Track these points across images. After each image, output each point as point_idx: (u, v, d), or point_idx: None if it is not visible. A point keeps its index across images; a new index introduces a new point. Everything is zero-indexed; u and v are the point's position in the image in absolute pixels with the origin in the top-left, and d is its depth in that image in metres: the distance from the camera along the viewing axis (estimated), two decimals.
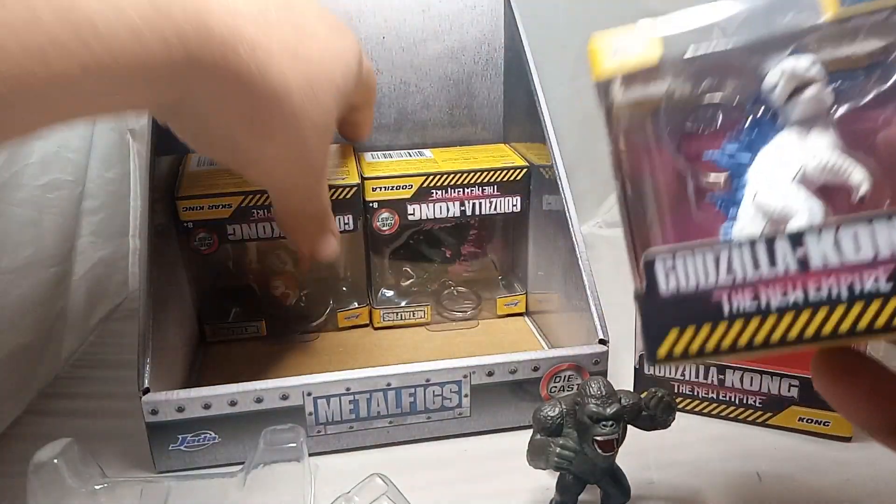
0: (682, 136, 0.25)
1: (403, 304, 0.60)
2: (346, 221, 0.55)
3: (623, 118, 0.25)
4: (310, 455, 0.43)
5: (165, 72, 0.29)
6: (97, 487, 0.39)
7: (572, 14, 0.75)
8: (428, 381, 0.45)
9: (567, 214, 0.51)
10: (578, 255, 0.50)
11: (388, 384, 0.45)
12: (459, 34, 0.63)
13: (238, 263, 0.60)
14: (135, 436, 0.47)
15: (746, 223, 0.23)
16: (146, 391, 0.42)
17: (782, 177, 0.23)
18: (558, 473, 0.38)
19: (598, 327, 0.47)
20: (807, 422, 0.46)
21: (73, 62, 0.25)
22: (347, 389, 0.44)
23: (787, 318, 0.20)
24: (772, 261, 0.20)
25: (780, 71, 0.23)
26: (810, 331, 0.20)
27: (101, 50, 0.26)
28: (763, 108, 0.24)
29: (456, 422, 0.47)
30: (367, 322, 0.61)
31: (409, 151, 0.62)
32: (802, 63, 0.23)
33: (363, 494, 0.37)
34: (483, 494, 0.42)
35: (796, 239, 0.20)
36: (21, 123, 0.26)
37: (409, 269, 0.62)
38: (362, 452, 0.46)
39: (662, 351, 0.21)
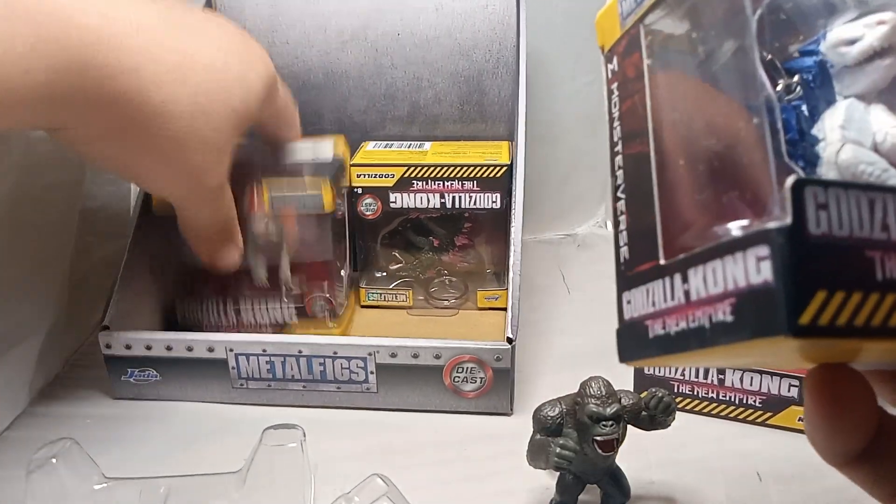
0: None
1: (392, 286, 0.63)
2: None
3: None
4: (234, 404, 0.50)
5: (48, 101, 0.32)
6: (96, 487, 0.39)
7: (579, 14, 0.75)
8: (335, 353, 0.48)
9: (510, 213, 0.53)
10: (510, 254, 0.52)
11: (300, 351, 0.49)
12: (471, 32, 0.65)
13: None
14: (135, 435, 0.47)
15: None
16: (105, 328, 0.49)
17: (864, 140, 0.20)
18: (558, 473, 0.38)
19: (510, 326, 0.48)
20: None
21: None
22: (264, 351, 0.49)
23: None
24: None
25: (865, 28, 0.20)
26: None
27: None
28: (821, 64, 0.21)
29: (364, 396, 0.50)
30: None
31: (410, 143, 0.64)
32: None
33: (363, 495, 0.37)
34: (483, 494, 0.42)
35: None
36: None
37: (397, 255, 0.64)
38: (356, 443, 0.46)
39: (807, 317, 0.15)
